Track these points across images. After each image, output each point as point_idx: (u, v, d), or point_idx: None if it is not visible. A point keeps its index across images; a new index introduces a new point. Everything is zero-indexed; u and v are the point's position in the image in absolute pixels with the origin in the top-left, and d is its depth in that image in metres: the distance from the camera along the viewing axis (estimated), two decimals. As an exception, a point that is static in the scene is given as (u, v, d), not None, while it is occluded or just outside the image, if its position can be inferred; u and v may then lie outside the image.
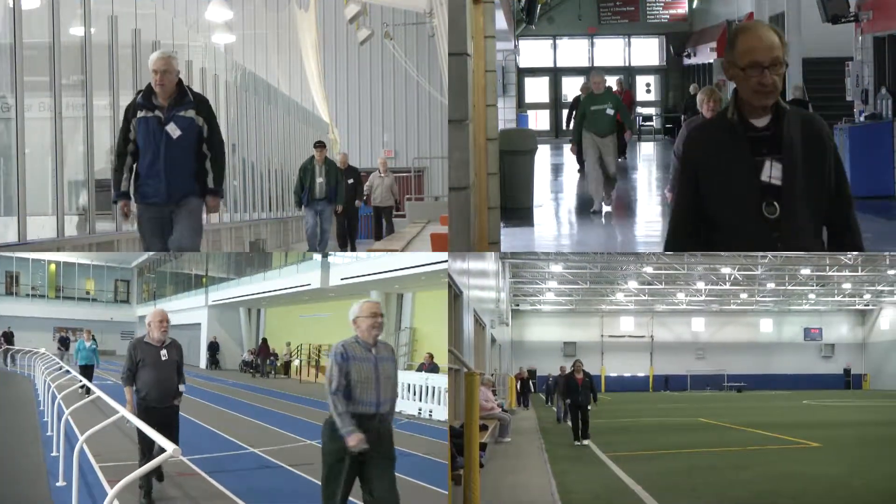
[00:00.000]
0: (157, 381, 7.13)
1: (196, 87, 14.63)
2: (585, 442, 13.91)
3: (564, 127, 28.50)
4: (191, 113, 7.36)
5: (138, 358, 7.13)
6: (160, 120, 7.31)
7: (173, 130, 7.28)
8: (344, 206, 15.96)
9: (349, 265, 20.95)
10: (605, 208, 14.80)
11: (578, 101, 22.24)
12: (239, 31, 27.42)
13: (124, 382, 7.19)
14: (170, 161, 7.33)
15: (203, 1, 24.38)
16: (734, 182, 3.91)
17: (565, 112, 27.42)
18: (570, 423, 15.10)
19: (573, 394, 14.47)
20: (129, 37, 11.72)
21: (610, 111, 14.40)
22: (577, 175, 20.48)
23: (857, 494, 9.14)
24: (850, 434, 16.12)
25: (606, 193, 14.79)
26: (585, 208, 15.37)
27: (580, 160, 20.89)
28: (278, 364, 27.57)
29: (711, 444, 14.81)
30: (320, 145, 15.76)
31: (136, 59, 11.75)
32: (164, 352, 7.18)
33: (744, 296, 41.51)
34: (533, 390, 27.26)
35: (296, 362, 26.88)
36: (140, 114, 7.36)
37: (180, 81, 7.44)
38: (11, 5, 8.92)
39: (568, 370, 15.23)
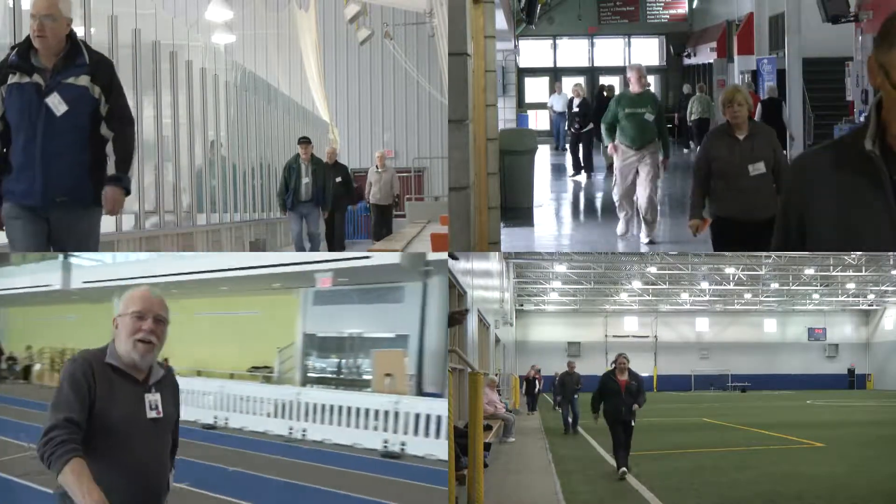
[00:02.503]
0: (136, 468, 3.09)
1: (196, 88, 14.66)
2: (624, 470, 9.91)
3: (556, 146, 27.30)
4: (83, 80, 5.26)
5: (95, 407, 3.02)
6: (40, 88, 5.22)
7: (57, 104, 5.22)
8: (332, 205, 14.86)
9: (94, 268, 19.55)
10: (644, 240, 11.66)
11: (571, 106, 22.02)
12: (239, 31, 27.42)
13: (58, 459, 2.90)
14: (50, 147, 5.24)
15: (203, 1, 24.38)
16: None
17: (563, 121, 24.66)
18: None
19: (614, 402, 9.97)
20: (129, 37, 11.70)
21: (649, 116, 11.13)
22: (573, 181, 20.11)
23: (860, 494, 9.10)
24: (853, 434, 16.08)
25: (647, 225, 11.51)
26: (583, 213, 14.55)
27: (577, 165, 20.49)
28: (18, 368, 24.68)
29: (715, 444, 14.77)
30: (305, 141, 14.28)
31: (136, 58, 11.73)
32: (152, 398, 3.16)
33: (748, 296, 41.50)
34: (538, 390, 26.83)
35: (37, 367, 24.33)
36: (12, 79, 5.26)
37: (73, 36, 5.33)
38: (11, 5, 8.91)
39: (611, 367, 10.50)
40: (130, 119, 5.54)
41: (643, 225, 11.58)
